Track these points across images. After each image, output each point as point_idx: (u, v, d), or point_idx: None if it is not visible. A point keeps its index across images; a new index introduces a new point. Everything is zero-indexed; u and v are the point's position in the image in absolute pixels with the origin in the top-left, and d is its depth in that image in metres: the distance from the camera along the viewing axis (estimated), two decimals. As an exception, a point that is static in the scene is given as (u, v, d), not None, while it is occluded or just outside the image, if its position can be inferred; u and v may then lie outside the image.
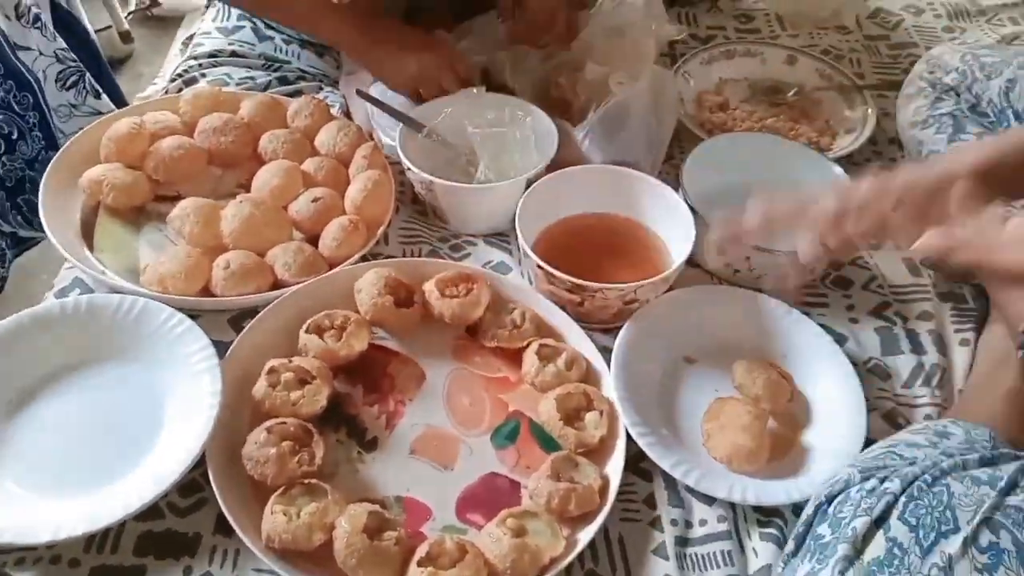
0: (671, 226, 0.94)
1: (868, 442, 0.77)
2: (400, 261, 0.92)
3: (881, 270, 0.99)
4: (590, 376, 0.84)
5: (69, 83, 1.24)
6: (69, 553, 0.71)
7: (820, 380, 0.85)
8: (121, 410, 0.79)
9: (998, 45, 1.21)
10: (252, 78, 1.13)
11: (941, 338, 0.92)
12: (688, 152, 1.01)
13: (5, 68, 1.13)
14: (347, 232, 0.90)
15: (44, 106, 1.20)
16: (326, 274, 0.88)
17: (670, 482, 0.78)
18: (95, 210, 0.95)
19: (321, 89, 1.14)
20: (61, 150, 0.98)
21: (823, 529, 0.65)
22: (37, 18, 1.20)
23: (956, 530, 0.58)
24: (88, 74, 1.26)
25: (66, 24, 1.32)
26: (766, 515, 0.76)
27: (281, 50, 1.19)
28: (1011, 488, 0.59)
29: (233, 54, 1.16)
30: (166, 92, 1.14)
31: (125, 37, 2.22)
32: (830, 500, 0.67)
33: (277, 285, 0.88)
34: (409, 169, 0.96)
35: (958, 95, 1.02)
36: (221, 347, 0.81)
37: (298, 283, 0.87)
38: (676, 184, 0.96)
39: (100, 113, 1.26)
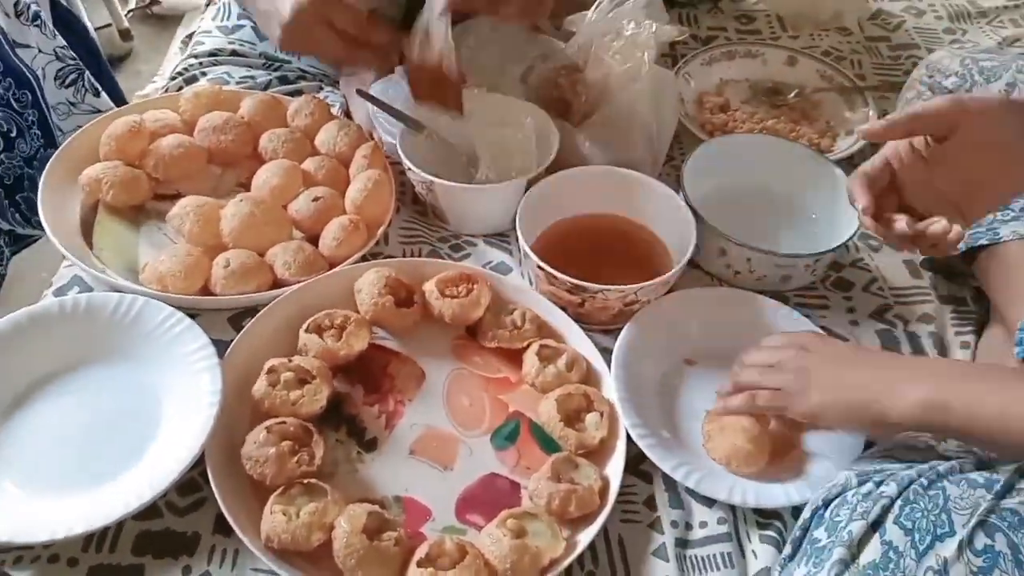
0: (672, 227, 0.94)
1: (868, 444, 0.77)
2: (400, 261, 0.92)
3: (882, 272, 0.99)
4: (590, 377, 0.84)
5: (68, 81, 1.23)
6: (67, 552, 0.70)
7: (820, 382, 0.85)
8: (120, 409, 0.79)
9: (997, 49, 1.21)
10: (252, 77, 1.13)
11: (942, 340, 0.92)
12: (688, 153, 1.01)
13: (4, 66, 1.13)
14: (347, 232, 0.90)
15: (43, 104, 1.20)
16: (326, 273, 0.88)
17: (670, 484, 0.78)
18: (94, 208, 0.95)
19: (321, 89, 1.13)
20: (61, 148, 0.98)
21: (819, 533, 0.65)
22: (37, 16, 1.20)
23: (951, 533, 0.58)
24: (87, 72, 1.26)
25: (66, 22, 1.32)
26: (766, 517, 0.76)
27: (280, 49, 1.18)
28: (1007, 491, 0.59)
29: (233, 53, 1.15)
30: (166, 90, 1.13)
31: (125, 35, 2.22)
32: (827, 504, 0.67)
33: (277, 284, 0.88)
34: (409, 169, 0.96)
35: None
36: (221, 346, 0.81)
37: (298, 282, 0.87)
38: (677, 185, 0.96)
39: (99, 111, 1.25)
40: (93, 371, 0.81)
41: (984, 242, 0.87)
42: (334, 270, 0.89)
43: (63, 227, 0.91)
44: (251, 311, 0.85)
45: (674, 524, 0.75)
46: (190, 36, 1.39)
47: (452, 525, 0.74)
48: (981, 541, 0.56)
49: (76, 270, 0.90)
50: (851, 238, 0.93)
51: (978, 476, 0.61)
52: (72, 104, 1.24)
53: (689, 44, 1.29)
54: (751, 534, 0.75)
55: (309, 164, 0.99)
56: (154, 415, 0.78)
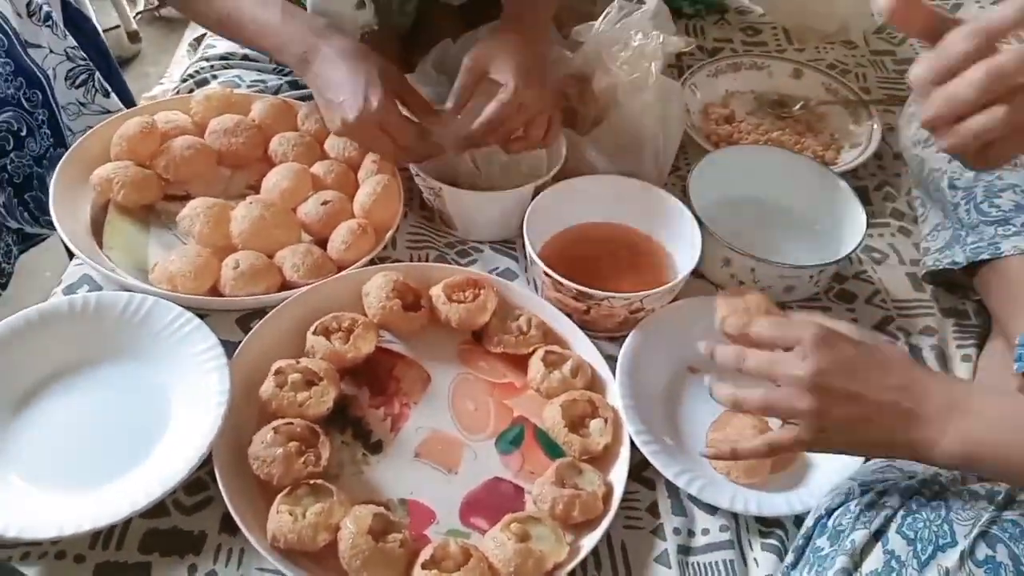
0: (677, 237, 0.95)
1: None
2: (408, 265, 0.93)
3: (884, 284, 1.00)
4: (595, 383, 0.85)
5: (79, 81, 1.24)
6: (74, 549, 0.71)
7: (823, 392, 0.85)
8: (128, 408, 0.80)
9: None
10: (263, 81, 1.14)
11: (943, 353, 0.93)
12: (694, 163, 1.02)
13: (16, 65, 1.14)
14: (356, 235, 0.91)
15: (53, 103, 1.20)
16: (334, 276, 0.89)
17: (673, 491, 0.78)
18: (105, 208, 0.96)
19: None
20: (72, 147, 0.99)
21: (822, 542, 0.65)
22: (48, 16, 1.20)
23: (953, 544, 0.58)
24: (97, 73, 1.27)
25: (75, 23, 1.32)
26: (768, 525, 0.77)
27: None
28: (1008, 503, 0.60)
29: (245, 57, 1.16)
30: (177, 92, 1.14)
31: (133, 37, 2.23)
32: (829, 513, 0.67)
33: (285, 286, 0.89)
34: (418, 175, 0.96)
35: None
36: (229, 347, 0.81)
37: (306, 285, 0.88)
38: (682, 195, 0.97)
39: (109, 112, 1.26)
40: (102, 370, 0.82)
41: (985, 256, 0.87)
42: (342, 273, 0.90)
43: (74, 226, 0.92)
44: (259, 312, 0.86)
45: (676, 531, 0.76)
46: (198, 39, 1.40)
47: (456, 528, 0.75)
48: (983, 551, 0.57)
49: (86, 269, 0.91)
50: (854, 250, 0.93)
51: (980, 488, 0.61)
52: (82, 104, 1.24)
53: (696, 55, 1.30)
54: (753, 542, 0.76)
55: (318, 168, 0.99)
56: (162, 414, 0.79)
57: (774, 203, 1.05)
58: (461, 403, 0.84)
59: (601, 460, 0.79)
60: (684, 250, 0.93)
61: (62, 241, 0.91)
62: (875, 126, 1.16)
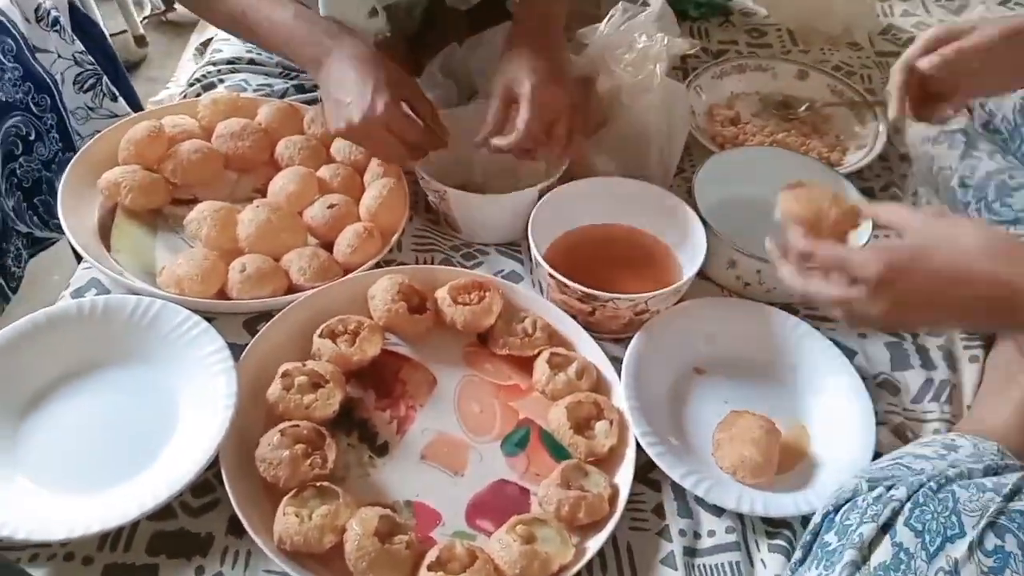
0: (682, 238, 0.95)
1: (876, 456, 0.78)
2: (413, 268, 0.93)
3: (890, 285, 1.00)
4: (600, 385, 0.85)
5: (87, 86, 1.25)
6: (83, 551, 0.71)
7: (829, 393, 0.85)
8: (136, 410, 0.80)
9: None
10: (269, 85, 1.14)
11: (951, 354, 0.92)
12: (699, 165, 1.02)
13: (24, 70, 1.15)
14: (361, 239, 0.91)
15: (61, 108, 1.21)
16: (340, 279, 0.89)
17: (679, 492, 0.78)
18: (113, 211, 0.97)
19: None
20: (80, 151, 0.99)
21: (830, 537, 0.66)
22: (56, 21, 1.21)
23: (962, 535, 0.58)
24: (105, 77, 1.28)
25: (83, 27, 1.33)
26: (775, 527, 0.77)
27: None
28: (1015, 494, 0.60)
29: (251, 61, 1.17)
30: (184, 96, 1.15)
31: (140, 41, 2.25)
32: (837, 509, 0.68)
33: (292, 289, 0.89)
34: (423, 178, 0.97)
35: (970, 111, 1.03)
36: (236, 349, 0.82)
37: (313, 288, 0.88)
38: (687, 196, 0.97)
39: (116, 116, 1.27)
40: (110, 372, 0.82)
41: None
42: (348, 276, 0.90)
43: (82, 229, 0.93)
44: (266, 315, 0.87)
45: (682, 532, 0.76)
46: (204, 43, 1.40)
47: (462, 530, 0.75)
48: (991, 542, 0.57)
49: (94, 272, 0.91)
50: (860, 251, 0.93)
51: (987, 481, 0.61)
52: (90, 109, 1.25)
53: (700, 57, 1.30)
54: (760, 543, 0.76)
55: (325, 171, 1.00)
56: (170, 417, 0.79)
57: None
58: (467, 405, 0.84)
59: (607, 462, 0.79)
60: (689, 251, 0.93)
61: (70, 245, 0.91)
62: (880, 127, 1.15)
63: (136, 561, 0.71)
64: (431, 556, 0.69)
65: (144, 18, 2.31)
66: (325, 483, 0.73)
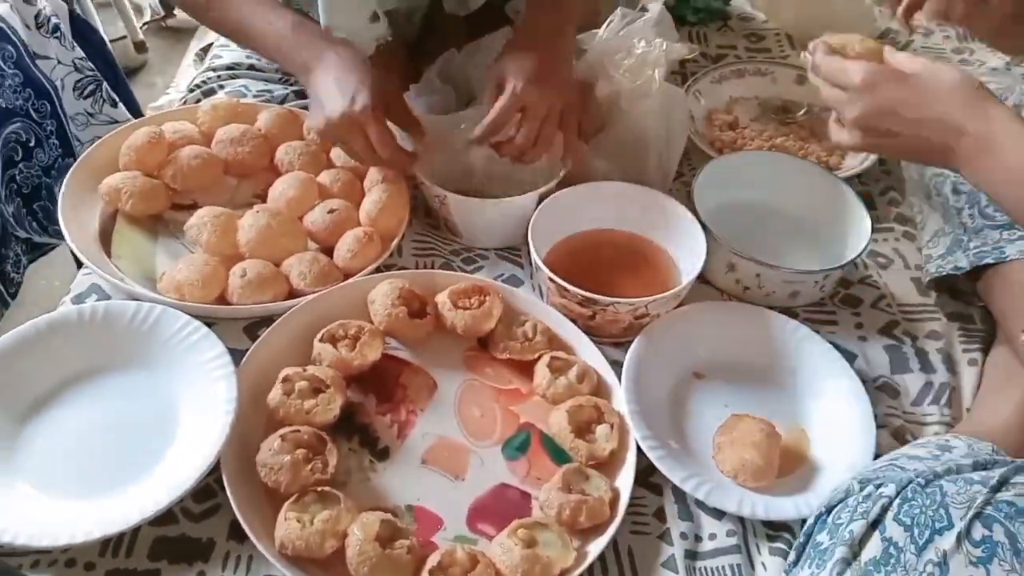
0: (681, 242, 0.95)
1: (876, 458, 0.78)
2: (414, 273, 0.93)
3: (890, 289, 1.00)
4: (601, 389, 0.85)
5: (87, 92, 1.26)
6: (84, 557, 0.71)
7: (829, 396, 0.86)
8: (137, 416, 0.80)
9: (999, 71, 1.22)
10: (269, 91, 1.14)
11: (950, 357, 0.93)
12: (698, 169, 1.02)
13: (24, 76, 1.15)
14: (362, 243, 0.91)
15: (61, 114, 1.22)
16: (340, 284, 0.89)
17: (680, 496, 0.79)
18: (113, 217, 0.97)
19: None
20: (81, 157, 0.99)
21: (822, 537, 0.66)
22: (56, 28, 1.22)
23: (950, 527, 0.58)
24: (105, 83, 1.28)
25: (83, 34, 1.34)
26: (775, 530, 0.77)
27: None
28: (1002, 485, 0.60)
29: (251, 67, 1.17)
30: (184, 102, 1.15)
31: (139, 47, 2.25)
32: (829, 510, 0.68)
33: (292, 294, 0.89)
34: (423, 183, 0.97)
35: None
36: (236, 355, 0.82)
37: (313, 293, 0.88)
38: (686, 200, 0.97)
39: (116, 122, 1.27)
40: (110, 378, 0.82)
41: (990, 261, 0.88)
42: (348, 281, 0.90)
43: (82, 235, 0.93)
44: (267, 320, 0.87)
45: (683, 536, 0.76)
46: (204, 49, 1.41)
47: (463, 534, 0.75)
48: (979, 532, 0.57)
49: (94, 278, 0.91)
50: (859, 255, 0.94)
51: (974, 475, 0.62)
52: (90, 115, 1.26)
53: (699, 62, 1.31)
54: (760, 546, 0.76)
55: (325, 177, 1.00)
56: (170, 422, 0.79)
57: (778, 208, 1.05)
58: (467, 409, 0.84)
59: (607, 466, 0.79)
60: (688, 255, 0.93)
61: (71, 250, 0.92)
62: (879, 131, 1.16)
63: (138, 567, 0.71)
64: (432, 561, 0.69)
65: (144, 24, 2.31)
66: (326, 488, 0.73)
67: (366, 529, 0.69)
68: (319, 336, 0.83)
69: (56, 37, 1.22)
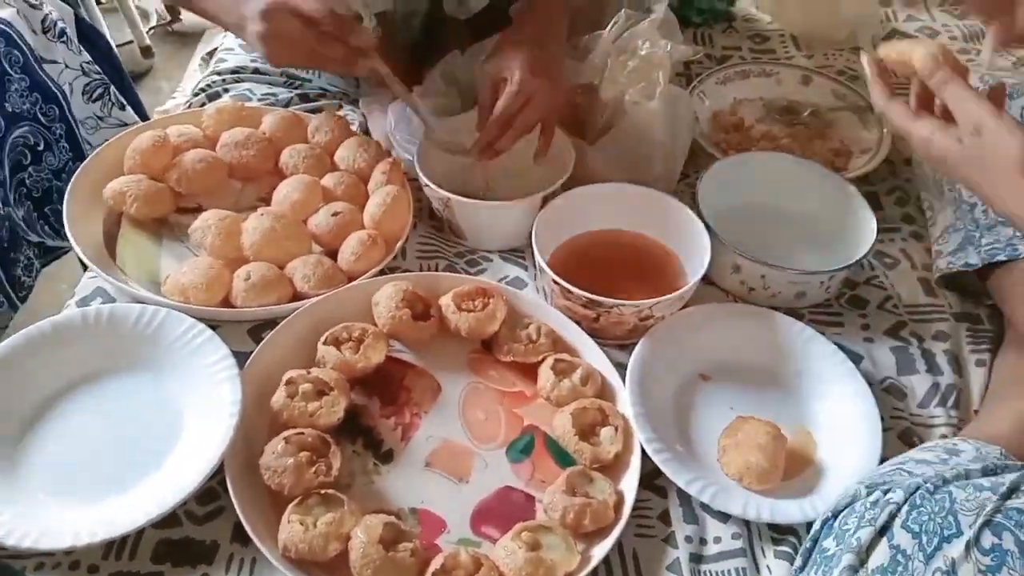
0: (686, 244, 0.95)
1: (883, 461, 0.77)
2: (417, 275, 0.93)
3: (896, 290, 0.99)
4: (605, 391, 0.85)
5: (95, 95, 1.26)
6: (88, 559, 0.71)
7: (835, 398, 0.85)
8: (141, 418, 0.80)
9: (1013, 68, 1.21)
10: (274, 94, 1.15)
11: (957, 359, 0.92)
12: (703, 171, 1.02)
13: (31, 81, 1.16)
14: (365, 246, 0.91)
15: (70, 118, 1.22)
16: (344, 287, 0.89)
17: (685, 499, 0.78)
18: (118, 221, 0.97)
19: (341, 107, 1.15)
20: (86, 161, 1.00)
21: (828, 543, 0.65)
22: (63, 32, 1.22)
23: (959, 534, 0.58)
24: (113, 86, 1.29)
25: (90, 39, 1.34)
26: (781, 533, 0.76)
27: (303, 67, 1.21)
28: (1012, 492, 0.59)
29: (255, 71, 1.18)
30: (189, 106, 1.16)
31: (146, 52, 2.26)
32: (836, 515, 0.67)
33: (296, 297, 0.89)
34: (427, 185, 0.97)
35: None
36: (240, 357, 0.82)
37: (317, 295, 0.88)
38: (691, 202, 0.97)
39: (125, 124, 1.28)
40: (115, 381, 0.83)
41: (1002, 258, 0.87)
42: (352, 284, 0.90)
43: (88, 239, 0.93)
44: (271, 323, 0.87)
45: (688, 539, 0.75)
46: (210, 53, 1.41)
47: (467, 537, 0.75)
48: (988, 540, 0.56)
49: (99, 281, 0.92)
50: (865, 256, 0.93)
51: (984, 481, 0.61)
52: (100, 118, 1.26)
53: (704, 63, 1.30)
54: (766, 550, 0.75)
55: (329, 180, 1.00)
56: (175, 425, 0.80)
57: (784, 209, 1.05)
58: (471, 412, 0.84)
59: (612, 468, 0.79)
60: (694, 257, 0.93)
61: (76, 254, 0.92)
62: (885, 132, 1.15)
63: (141, 569, 0.71)
64: (436, 564, 0.69)
65: (150, 29, 2.32)
66: (330, 491, 0.73)
67: (369, 532, 0.69)
68: (323, 339, 0.83)
69: (63, 41, 1.22)
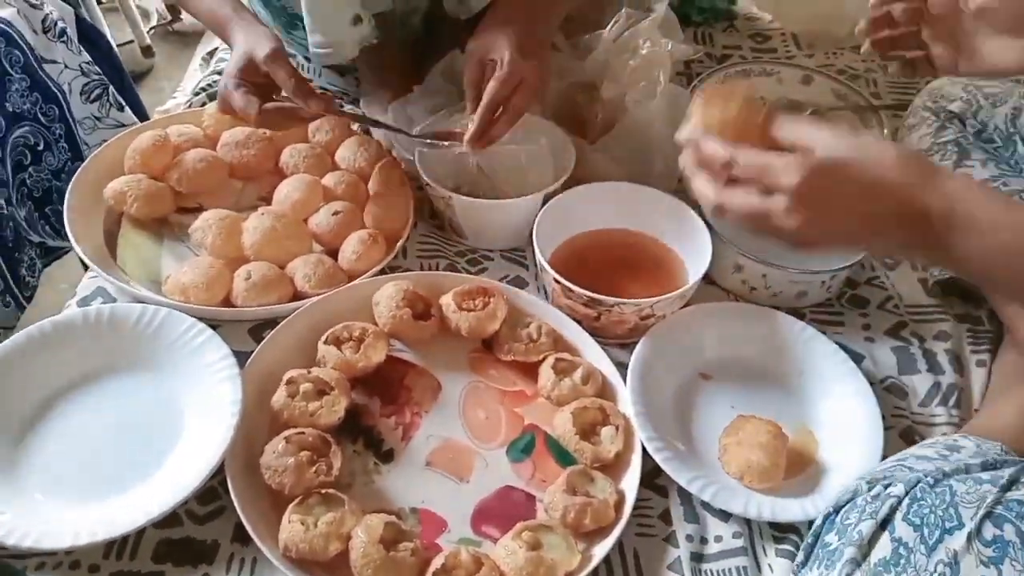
0: (687, 242, 0.95)
1: (884, 459, 0.77)
2: (418, 274, 0.93)
3: (897, 290, 0.99)
4: (606, 391, 0.85)
5: (94, 96, 1.26)
6: (88, 559, 0.71)
7: (836, 397, 0.85)
8: (142, 418, 0.80)
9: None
10: (274, 93, 1.14)
11: (958, 358, 0.92)
12: (704, 170, 1.01)
13: (32, 81, 1.16)
14: (366, 245, 0.91)
15: (69, 118, 1.22)
16: (345, 286, 0.89)
17: (686, 497, 0.78)
18: (119, 221, 0.97)
19: (342, 106, 1.15)
20: (86, 161, 1.00)
21: (830, 537, 0.65)
22: (63, 32, 1.22)
23: (960, 526, 0.58)
24: (112, 87, 1.29)
25: (90, 38, 1.34)
26: (782, 531, 0.76)
27: (303, 68, 1.21)
28: (1012, 484, 0.59)
29: (255, 70, 1.17)
30: (190, 106, 1.15)
31: (146, 51, 2.25)
32: (838, 510, 0.67)
33: (297, 296, 0.89)
34: (428, 184, 0.97)
35: (963, 122, 1.03)
36: (241, 357, 0.82)
37: (317, 295, 0.88)
38: (692, 201, 0.97)
39: (123, 125, 1.28)
40: (116, 380, 0.83)
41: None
42: (353, 283, 0.90)
43: (88, 239, 0.93)
44: (271, 323, 0.87)
45: (689, 538, 0.75)
46: (211, 53, 1.41)
47: (468, 537, 0.75)
48: (990, 531, 0.56)
49: (100, 281, 0.92)
50: (866, 255, 0.93)
51: (984, 474, 0.61)
52: (98, 119, 1.26)
53: (704, 62, 1.31)
54: (767, 548, 0.75)
55: (329, 179, 1.00)
56: (175, 424, 0.80)
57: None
58: (472, 411, 0.84)
59: (613, 467, 0.78)
60: (695, 256, 0.93)
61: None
62: (885, 131, 1.15)
63: (142, 569, 0.71)
64: (436, 563, 0.69)
65: (151, 28, 2.32)
66: (330, 490, 0.73)
67: (370, 531, 0.69)
68: (323, 338, 0.83)
69: (63, 41, 1.22)
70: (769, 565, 0.74)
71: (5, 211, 1.09)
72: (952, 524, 0.58)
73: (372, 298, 0.87)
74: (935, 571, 0.57)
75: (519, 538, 0.70)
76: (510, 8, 0.95)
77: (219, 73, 1.18)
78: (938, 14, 0.81)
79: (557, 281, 0.86)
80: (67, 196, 0.95)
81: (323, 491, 0.72)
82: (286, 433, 0.75)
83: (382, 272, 0.93)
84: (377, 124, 1.00)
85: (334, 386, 0.79)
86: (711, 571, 0.74)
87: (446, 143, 0.95)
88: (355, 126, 1.09)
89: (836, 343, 0.89)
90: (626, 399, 0.82)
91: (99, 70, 1.27)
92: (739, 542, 0.75)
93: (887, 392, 0.88)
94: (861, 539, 0.61)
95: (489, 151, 0.95)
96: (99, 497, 0.74)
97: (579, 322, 0.88)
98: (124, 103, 1.30)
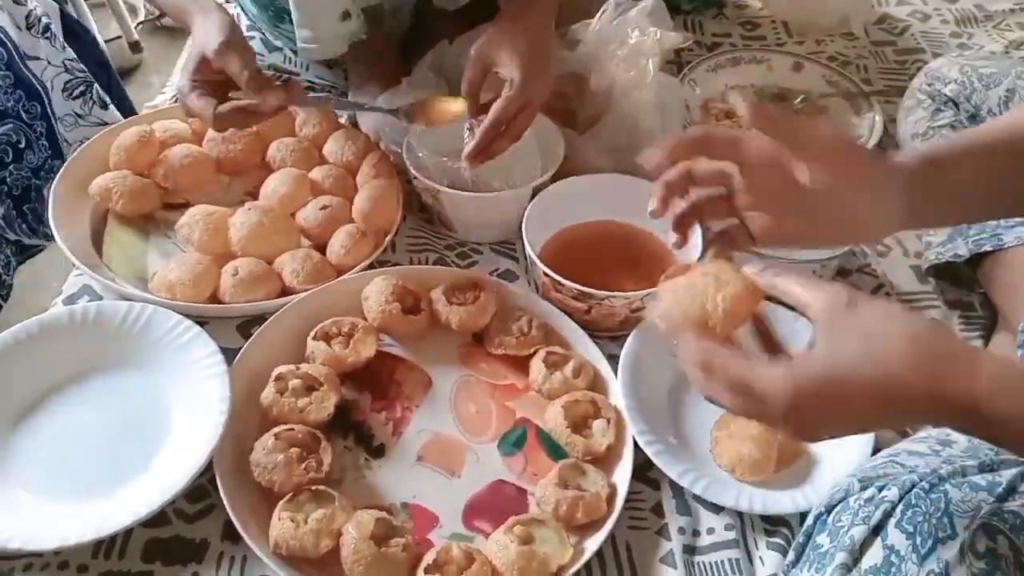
0: (678, 234, 0.94)
1: (876, 451, 0.77)
2: (407, 268, 0.93)
3: (889, 278, 0.99)
4: (597, 384, 0.84)
5: (76, 93, 1.24)
6: (77, 559, 0.71)
7: (828, 388, 0.85)
8: (129, 416, 0.79)
9: (996, 56, 1.21)
10: (260, 87, 1.13)
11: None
12: (694, 160, 1.01)
13: (15, 77, 1.14)
14: (355, 240, 0.91)
15: (51, 115, 1.21)
16: (334, 281, 0.89)
17: (677, 490, 0.78)
18: (104, 218, 0.96)
19: (330, 100, 1.14)
20: (71, 158, 0.99)
21: (822, 539, 0.65)
22: (47, 28, 1.21)
23: (953, 536, 0.57)
24: (96, 85, 1.27)
25: (76, 34, 1.33)
26: (773, 524, 0.76)
27: (291, 61, 1.20)
28: (1009, 494, 0.59)
29: (242, 64, 1.16)
30: (175, 100, 1.14)
31: (134, 47, 2.24)
32: (829, 510, 0.67)
33: (285, 292, 0.89)
34: (416, 178, 0.96)
35: (957, 106, 1.03)
36: (229, 354, 0.81)
37: (306, 290, 0.87)
38: (683, 192, 0.96)
39: (105, 124, 1.26)
40: (103, 379, 0.82)
41: (988, 248, 0.87)
42: (342, 278, 0.89)
43: (73, 236, 0.92)
44: (259, 319, 0.86)
45: (681, 531, 0.75)
46: (199, 48, 1.40)
47: (459, 532, 0.74)
48: (983, 544, 0.56)
49: (86, 279, 0.91)
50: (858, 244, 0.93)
51: (980, 479, 0.60)
52: (79, 116, 1.24)
53: (694, 51, 1.30)
54: (759, 541, 0.75)
55: (317, 173, 0.99)
56: (163, 422, 0.79)
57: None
58: (463, 405, 0.84)
59: (604, 461, 0.78)
60: (684, 247, 0.92)
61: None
62: (877, 117, 1.15)
63: (131, 568, 0.71)
64: (428, 559, 0.68)
65: (138, 24, 2.30)
66: (321, 487, 0.72)
67: (361, 528, 0.68)
68: (312, 334, 0.83)
69: (47, 38, 1.21)
70: (760, 558, 0.74)
71: (-16, 210, 1.08)
72: (945, 534, 0.57)
73: (361, 293, 0.86)
74: None
75: (511, 532, 0.70)
76: (518, 19, 0.91)
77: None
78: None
79: (547, 274, 0.86)
80: (51, 193, 0.94)
81: (313, 487, 0.72)
82: (275, 430, 0.75)
83: (371, 266, 0.92)
84: (343, 106, 0.98)
85: (323, 382, 0.79)
86: (703, 563, 0.74)
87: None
88: (343, 119, 1.08)
89: (828, 333, 0.88)
90: (617, 392, 0.82)
91: (83, 67, 1.26)
92: (731, 534, 0.75)
93: (879, 381, 0.88)
94: (853, 544, 0.60)
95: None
96: (87, 497, 0.73)
97: (570, 315, 0.88)
98: (108, 101, 1.28)
